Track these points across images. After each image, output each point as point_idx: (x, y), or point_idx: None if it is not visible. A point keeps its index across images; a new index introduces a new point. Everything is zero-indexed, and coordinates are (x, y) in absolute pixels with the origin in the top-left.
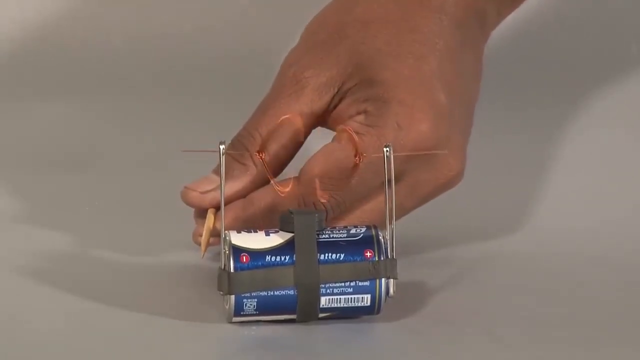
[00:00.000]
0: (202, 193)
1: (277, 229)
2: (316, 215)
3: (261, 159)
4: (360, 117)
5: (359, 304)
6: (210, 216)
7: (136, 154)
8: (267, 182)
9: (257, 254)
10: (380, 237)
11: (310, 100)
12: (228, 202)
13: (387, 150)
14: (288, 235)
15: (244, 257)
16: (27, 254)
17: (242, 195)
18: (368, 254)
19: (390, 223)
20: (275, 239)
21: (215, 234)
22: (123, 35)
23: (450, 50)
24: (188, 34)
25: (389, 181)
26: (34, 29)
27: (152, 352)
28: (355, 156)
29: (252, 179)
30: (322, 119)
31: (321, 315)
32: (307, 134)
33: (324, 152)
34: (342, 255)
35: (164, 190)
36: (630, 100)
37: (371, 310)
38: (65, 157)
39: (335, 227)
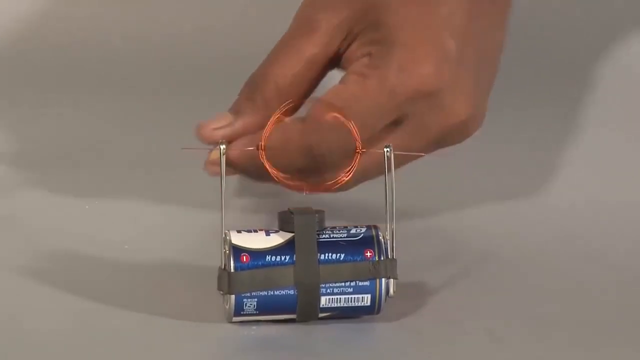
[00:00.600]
0: (214, 129)
1: (277, 229)
2: (316, 215)
3: (262, 153)
4: (365, 60)
5: (359, 304)
6: (220, 147)
7: (136, 154)
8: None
9: (257, 254)
10: (380, 237)
11: (322, 42)
12: (236, 137)
13: (387, 150)
14: (288, 235)
15: (244, 257)
16: (27, 254)
17: (252, 131)
18: (368, 253)
19: (391, 223)
20: (276, 239)
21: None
22: (123, 35)
23: None
24: (188, 34)
25: (390, 181)
26: (33, 28)
27: (151, 352)
28: (356, 150)
29: (262, 116)
30: (335, 61)
31: (321, 315)
32: (322, 75)
33: (329, 93)
34: (342, 255)
35: (163, 190)
36: (630, 100)
37: (371, 310)
38: (64, 156)
39: (335, 227)
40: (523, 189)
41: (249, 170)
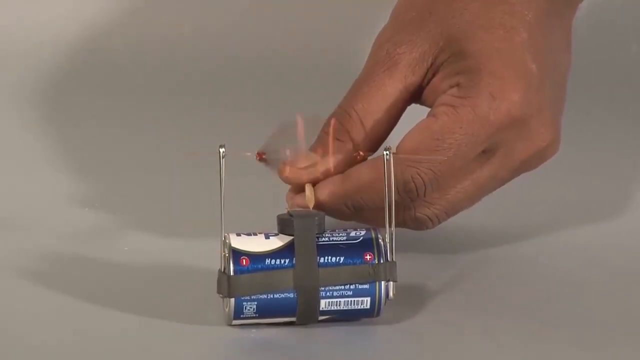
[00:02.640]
0: (301, 170)
1: (276, 232)
2: (316, 218)
3: (262, 159)
4: (453, 90)
5: (359, 307)
6: (309, 188)
7: (136, 155)
8: (365, 158)
9: (257, 257)
10: (380, 240)
11: (404, 76)
12: (325, 177)
13: (387, 154)
14: (288, 238)
15: (244, 260)
16: (27, 254)
17: (340, 171)
18: (368, 256)
19: (390, 226)
20: (275, 242)
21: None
22: (123, 36)
23: (540, 21)
24: (188, 35)
25: (389, 185)
26: (33, 30)
27: (151, 355)
28: (356, 152)
29: (349, 155)
30: (416, 94)
31: (321, 318)
32: (402, 110)
33: (420, 127)
34: (342, 258)
35: (163, 191)
36: (630, 100)
37: (371, 313)
38: (64, 156)
39: (335, 230)
40: (523, 189)
41: (339, 210)
